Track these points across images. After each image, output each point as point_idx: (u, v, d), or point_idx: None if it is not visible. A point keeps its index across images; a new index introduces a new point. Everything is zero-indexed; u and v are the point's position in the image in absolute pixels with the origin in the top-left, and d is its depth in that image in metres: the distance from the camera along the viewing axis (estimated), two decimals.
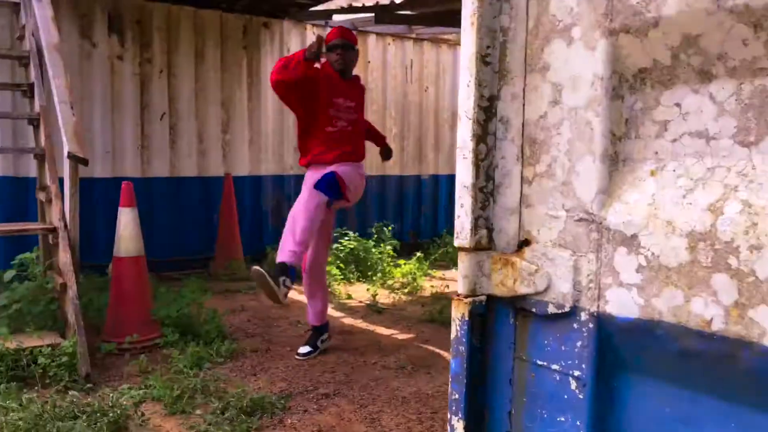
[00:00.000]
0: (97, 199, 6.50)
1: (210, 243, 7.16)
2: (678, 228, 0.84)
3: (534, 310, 1.03)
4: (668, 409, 0.91)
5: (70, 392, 3.38)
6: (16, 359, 3.59)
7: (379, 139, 4.90)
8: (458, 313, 1.09)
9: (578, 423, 0.98)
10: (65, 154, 4.01)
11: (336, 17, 7.48)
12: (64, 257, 4.01)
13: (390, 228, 7.66)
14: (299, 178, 7.75)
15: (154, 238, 6.71)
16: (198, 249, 7.17)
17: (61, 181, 4.27)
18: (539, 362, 1.04)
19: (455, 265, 5.97)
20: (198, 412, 3.32)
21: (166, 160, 6.95)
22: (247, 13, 7.34)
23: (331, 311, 5.49)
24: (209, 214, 7.24)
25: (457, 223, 1.09)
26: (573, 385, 0.99)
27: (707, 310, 0.82)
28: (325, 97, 4.02)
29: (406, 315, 5.38)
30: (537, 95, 1.02)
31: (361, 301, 5.87)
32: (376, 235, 7.48)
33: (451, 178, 8.99)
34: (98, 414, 3.13)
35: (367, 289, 6.05)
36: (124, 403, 3.26)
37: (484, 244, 1.08)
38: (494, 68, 1.07)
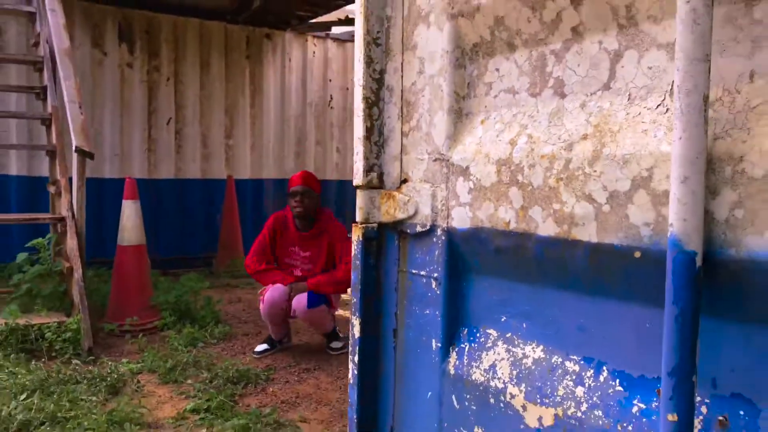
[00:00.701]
0: (106, 198, 6.87)
1: (213, 242, 7.51)
2: (491, 158, 1.16)
3: (408, 231, 1.35)
4: (495, 297, 1.22)
5: (74, 362, 3.72)
6: (25, 334, 3.93)
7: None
8: (355, 236, 1.41)
9: (437, 313, 1.30)
10: (73, 149, 4.38)
11: (335, 29, 7.86)
12: (71, 243, 4.36)
13: None
14: None
15: (160, 236, 7.09)
16: (201, 248, 7.52)
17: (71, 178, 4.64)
18: (413, 271, 1.36)
19: None
20: (189, 381, 3.64)
21: (171, 162, 7.32)
22: (250, 25, 7.73)
23: None
24: (212, 214, 7.59)
25: (354, 167, 1.41)
26: (433, 284, 1.30)
27: (507, 214, 1.13)
28: (281, 246, 4.34)
29: None
30: (410, 68, 1.35)
31: (348, 295, 6.17)
32: None
33: None
34: (97, 379, 3.47)
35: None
36: (122, 371, 3.59)
37: (376, 183, 1.40)
38: (382, 48, 1.40)
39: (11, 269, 6.06)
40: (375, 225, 1.41)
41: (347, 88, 8.52)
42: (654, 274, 0.89)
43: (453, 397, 1.26)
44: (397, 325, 1.40)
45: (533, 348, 1.14)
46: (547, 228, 1.06)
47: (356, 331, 1.41)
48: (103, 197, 6.87)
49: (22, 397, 3.14)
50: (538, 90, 1.12)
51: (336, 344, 4.42)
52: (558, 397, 1.06)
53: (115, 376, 3.49)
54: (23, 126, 6.53)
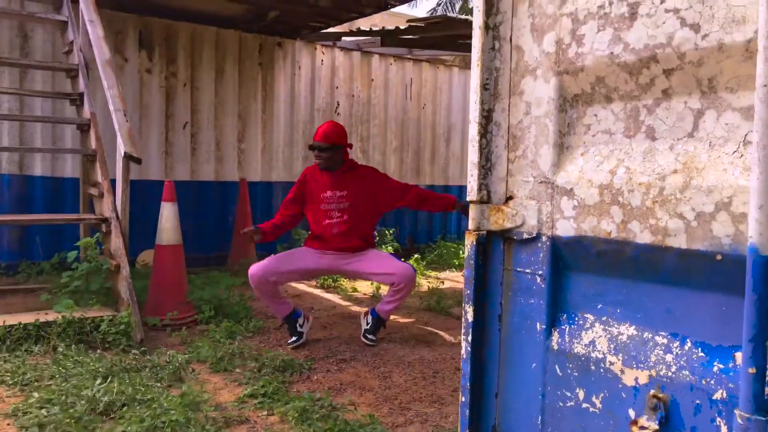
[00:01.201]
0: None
1: (225, 241, 7.82)
2: (594, 183, 1.53)
3: (515, 237, 1.71)
4: (591, 289, 1.59)
5: (132, 351, 4.03)
6: (81, 326, 4.23)
7: (445, 203, 4.90)
8: (469, 241, 1.77)
9: (541, 302, 1.66)
10: (120, 154, 4.68)
11: (344, 39, 8.20)
12: (117, 243, 4.67)
13: (391, 232, 8.35)
14: None
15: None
16: (215, 247, 7.83)
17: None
18: (518, 269, 1.72)
19: (449, 266, 6.68)
20: (237, 370, 3.97)
21: (187, 165, 7.62)
22: (262, 34, 8.04)
23: (339, 301, 6.17)
24: (225, 215, 7.90)
25: (468, 187, 1.77)
26: (538, 279, 1.67)
27: (608, 226, 1.50)
28: (313, 197, 4.62)
29: (406, 305, 6.04)
30: (516, 109, 1.71)
31: (365, 294, 6.54)
32: (378, 238, 8.15)
33: (445, 189, 9.69)
34: (158, 368, 3.79)
35: (371, 284, 6.72)
36: (180, 360, 3.91)
37: (485, 199, 1.77)
38: (491, 92, 1.76)
39: (43, 267, 6.35)
40: (484, 232, 1.77)
41: (353, 95, 8.87)
42: (731, 271, 1.26)
43: (556, 366, 1.62)
44: (502, 311, 1.76)
45: (627, 327, 1.51)
46: (643, 237, 1.43)
47: (469, 316, 1.77)
48: None
49: (97, 381, 3.45)
50: (632, 133, 1.49)
51: (372, 337, 4.75)
52: (651, 362, 1.43)
53: (176, 364, 3.81)
54: (48, 130, 6.80)
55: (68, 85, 6.55)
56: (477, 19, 1.76)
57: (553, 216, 1.63)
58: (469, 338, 1.78)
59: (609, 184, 1.50)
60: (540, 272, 1.67)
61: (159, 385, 3.57)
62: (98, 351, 4.09)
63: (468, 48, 8.27)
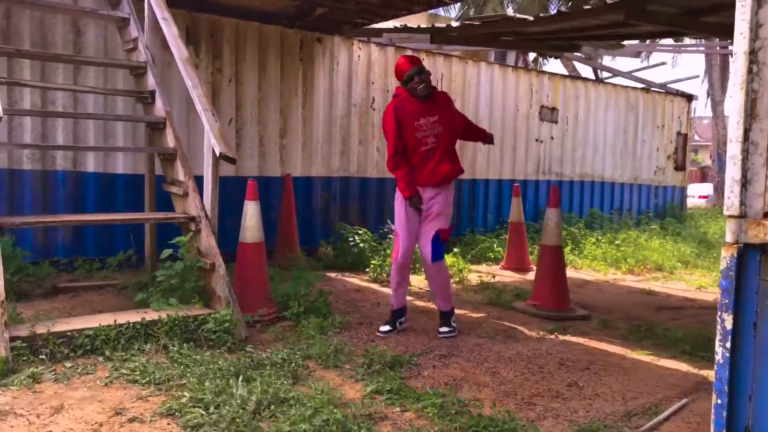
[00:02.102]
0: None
1: (269, 236, 7.83)
2: None
3: None
4: None
5: (247, 348, 4.11)
6: (186, 325, 4.29)
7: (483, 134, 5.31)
8: (728, 253, 1.89)
9: None
10: (212, 153, 4.72)
11: (385, 34, 8.27)
12: (209, 241, 4.72)
13: None
14: (344, 180, 8.57)
15: (223, 232, 7.41)
16: None
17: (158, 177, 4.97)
18: None
19: (485, 260, 6.80)
20: (347, 366, 4.06)
21: None
22: (303, 29, 8.08)
23: None
24: (267, 210, 7.93)
25: (727, 202, 1.90)
26: None
27: None
28: (407, 127, 4.75)
29: (466, 299, 6.19)
30: None
31: (420, 288, 6.65)
32: None
33: (470, 183, 9.83)
34: (277, 366, 3.87)
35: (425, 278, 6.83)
36: (296, 357, 4.00)
37: (743, 213, 1.89)
38: (748, 113, 1.88)
39: (110, 262, 6.35)
40: (742, 246, 1.89)
41: (387, 90, 8.94)
42: None
43: None
44: (757, 319, 1.89)
45: None
46: None
47: (727, 324, 1.90)
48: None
49: (239, 380, 3.51)
50: None
51: (445, 329, 4.88)
52: None
53: (294, 362, 3.89)
54: (100, 126, 6.78)
55: (125, 82, 6.57)
56: (740, 46, 1.87)
57: None
58: (727, 345, 1.91)
59: None
60: None
61: (285, 383, 3.65)
62: (205, 349, 4.15)
63: (509, 44, 8.38)
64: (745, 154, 1.89)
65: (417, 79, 4.70)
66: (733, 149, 1.88)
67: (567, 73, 15.67)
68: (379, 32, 8.22)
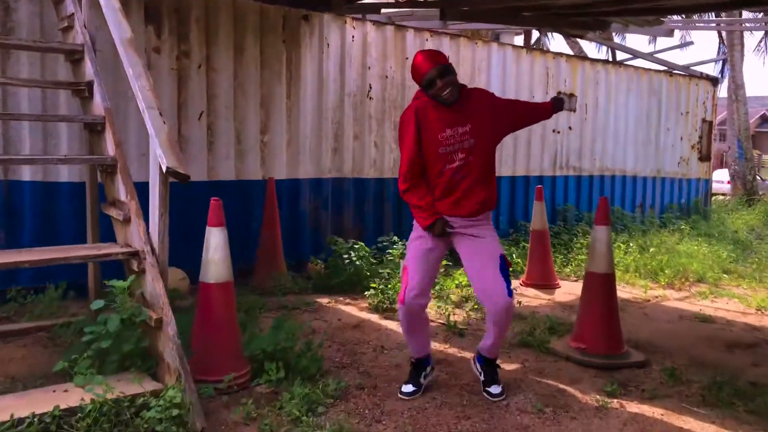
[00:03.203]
0: None
1: (249, 252, 6.63)
2: None
3: None
4: None
5: None
6: (117, 412, 3.08)
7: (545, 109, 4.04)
8: None
9: None
10: (156, 168, 3.48)
11: (384, 11, 7.01)
12: (155, 287, 3.49)
13: None
14: (337, 182, 7.32)
15: (191, 247, 6.18)
16: (237, 259, 6.61)
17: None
18: None
19: None
20: None
21: (203, 162, 6.40)
22: (286, 5, 6.81)
23: None
24: (247, 221, 6.71)
25: None
26: None
27: None
28: (429, 141, 3.57)
29: None
30: None
31: (432, 320, 5.43)
32: None
33: None
34: None
35: (437, 307, 5.63)
36: None
37: None
38: None
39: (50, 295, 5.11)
40: None
41: (386, 77, 7.69)
42: None
43: None
44: None
45: None
46: None
47: None
48: None
49: None
50: None
51: (497, 389, 3.77)
52: None
53: None
54: (37, 127, 5.52)
55: (65, 70, 5.28)
56: None
57: None
58: None
59: None
60: None
61: None
62: None
63: (529, 21, 7.15)
64: None
65: (440, 83, 3.45)
66: None
67: (573, 54, 14.30)
68: (377, 8, 6.98)
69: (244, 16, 6.54)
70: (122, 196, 3.86)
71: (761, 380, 4.18)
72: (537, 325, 5.18)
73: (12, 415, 2.87)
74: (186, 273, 5.77)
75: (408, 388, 3.82)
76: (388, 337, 4.93)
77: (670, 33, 8.23)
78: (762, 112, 46.78)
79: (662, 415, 3.63)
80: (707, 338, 5.23)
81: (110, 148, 4.01)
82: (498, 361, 3.97)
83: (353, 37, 7.38)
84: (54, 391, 3.18)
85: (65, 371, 3.35)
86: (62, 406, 2.99)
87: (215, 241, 3.84)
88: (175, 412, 3.08)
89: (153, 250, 3.58)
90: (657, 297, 6.72)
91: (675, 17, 8.55)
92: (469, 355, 4.59)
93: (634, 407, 3.72)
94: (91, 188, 4.52)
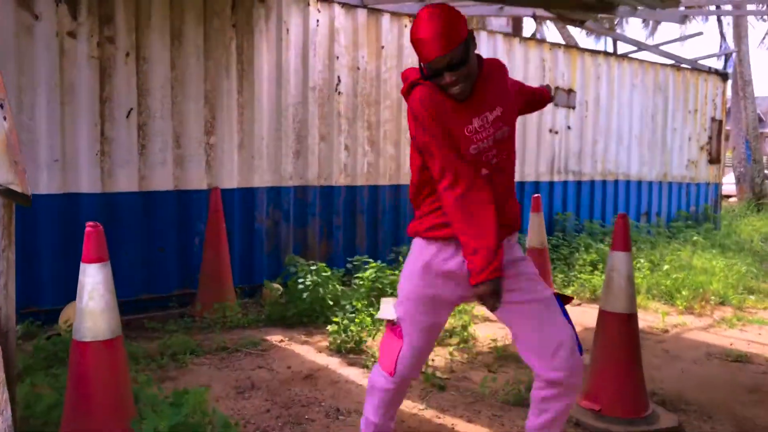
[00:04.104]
0: (41, 224, 4.89)
1: (190, 274, 5.58)
2: None
3: None
4: None
5: None
6: None
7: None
8: None
9: None
10: None
11: None
12: None
13: None
14: (300, 191, 6.26)
15: (118, 271, 5.10)
16: (175, 284, 5.58)
17: None
18: None
19: None
20: None
21: (133, 169, 5.32)
22: None
23: None
24: (189, 238, 5.65)
25: None
26: None
27: None
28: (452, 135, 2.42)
29: (479, 391, 3.91)
30: None
31: None
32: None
33: None
34: None
35: None
36: None
37: None
38: None
39: None
40: None
41: (358, 68, 6.63)
42: None
43: None
44: None
45: None
46: None
47: None
48: (36, 223, 4.86)
49: None
50: None
51: None
52: None
53: None
54: None
55: None
56: None
57: None
58: None
59: None
60: None
61: None
62: None
63: (520, 2, 6.11)
64: None
65: (449, 77, 2.31)
66: None
67: (565, 44, 13.17)
68: None
69: None
70: None
71: None
72: (521, 369, 4.12)
73: None
74: None
75: None
76: (346, 395, 3.85)
77: (682, 20, 7.20)
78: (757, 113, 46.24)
79: None
80: (749, 388, 4.17)
81: None
82: None
83: (318, 21, 6.32)
84: None
85: None
86: None
87: (92, 283, 2.74)
88: None
89: None
90: (676, 326, 5.67)
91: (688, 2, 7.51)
92: (451, 419, 3.53)
93: None
94: None
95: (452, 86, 2.32)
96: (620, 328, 3.53)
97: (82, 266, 2.75)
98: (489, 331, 5.17)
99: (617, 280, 3.54)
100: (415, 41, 2.33)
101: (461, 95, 2.35)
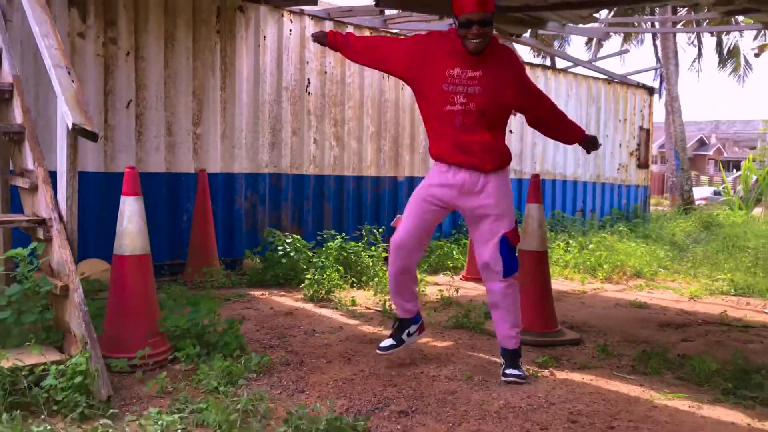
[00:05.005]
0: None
1: (180, 248, 6.42)
2: None
3: None
4: None
5: (110, 413, 2.68)
6: (14, 381, 2.84)
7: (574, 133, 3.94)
8: None
9: None
10: (67, 126, 3.29)
11: (321, 5, 6.93)
12: (62, 254, 3.28)
13: (381, 231, 7.16)
14: (275, 177, 7.17)
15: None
16: (167, 255, 6.40)
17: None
18: None
19: (444, 270, 5.46)
20: None
21: (131, 153, 6.16)
22: None
23: (343, 318, 4.94)
24: (178, 214, 6.49)
25: None
26: None
27: None
28: (433, 72, 3.41)
29: (428, 321, 4.86)
30: None
31: (368, 308, 5.30)
32: (365, 238, 6.96)
33: (410, 181, 8.54)
34: None
35: (374, 295, 5.51)
36: (181, 427, 2.60)
37: None
38: None
39: None
40: None
41: (325, 72, 7.60)
42: None
43: None
44: None
45: None
46: None
47: None
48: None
49: None
50: None
51: (514, 371, 3.52)
52: None
53: None
54: None
55: None
56: None
57: None
58: None
59: None
60: None
61: None
62: (42, 417, 2.72)
63: None
64: None
65: (476, 29, 3.25)
66: None
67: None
68: (315, 1, 6.89)
69: (176, 4, 6.38)
70: (29, 164, 3.63)
71: (690, 353, 4.17)
72: (473, 309, 5.08)
73: None
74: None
75: (385, 342, 3.73)
76: (321, 322, 4.78)
77: (606, 35, 8.36)
78: (699, 136, 48.64)
79: (591, 380, 3.57)
80: (641, 320, 5.22)
81: (18, 116, 3.79)
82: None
83: (290, 30, 7.28)
84: None
85: None
86: None
87: (130, 211, 3.64)
88: (78, 379, 2.87)
89: (60, 216, 3.36)
90: (595, 289, 6.72)
91: (612, 20, 8.70)
92: None
93: (565, 374, 3.65)
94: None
95: (474, 38, 3.29)
96: (534, 263, 4.53)
97: (123, 198, 3.65)
98: (435, 290, 6.12)
99: (531, 225, 4.56)
100: (456, 3, 3.32)
101: (475, 48, 3.31)
